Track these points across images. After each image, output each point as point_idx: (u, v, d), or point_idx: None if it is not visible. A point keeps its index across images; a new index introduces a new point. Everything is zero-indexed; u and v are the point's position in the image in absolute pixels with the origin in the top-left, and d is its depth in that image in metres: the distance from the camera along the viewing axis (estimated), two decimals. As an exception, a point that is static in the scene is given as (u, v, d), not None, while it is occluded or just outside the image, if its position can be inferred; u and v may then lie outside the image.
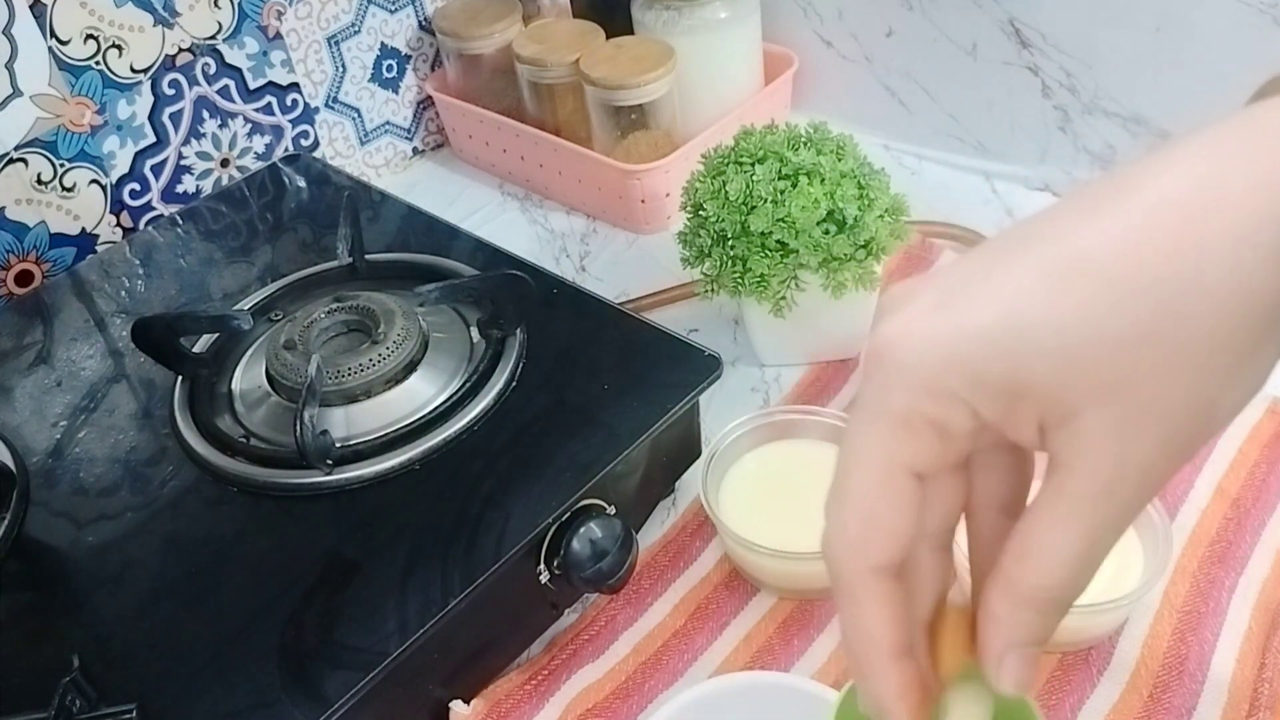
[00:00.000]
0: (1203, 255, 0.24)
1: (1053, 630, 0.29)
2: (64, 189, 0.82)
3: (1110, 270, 0.25)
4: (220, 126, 0.90)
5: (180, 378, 0.67)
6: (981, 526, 0.31)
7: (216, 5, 0.86)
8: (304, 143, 0.97)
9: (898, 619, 0.29)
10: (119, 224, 0.86)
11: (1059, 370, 0.25)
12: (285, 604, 0.54)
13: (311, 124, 0.96)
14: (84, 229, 0.84)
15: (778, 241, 0.68)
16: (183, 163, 0.89)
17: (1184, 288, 0.24)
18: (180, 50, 0.85)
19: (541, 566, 0.58)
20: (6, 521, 0.59)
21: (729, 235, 0.69)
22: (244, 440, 0.63)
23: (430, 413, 0.62)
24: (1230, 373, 0.25)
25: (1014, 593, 0.28)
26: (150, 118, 0.85)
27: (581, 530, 0.57)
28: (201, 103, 0.88)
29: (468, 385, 0.64)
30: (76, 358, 0.72)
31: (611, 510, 0.59)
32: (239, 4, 0.87)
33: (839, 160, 0.70)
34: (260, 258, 0.79)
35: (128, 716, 0.49)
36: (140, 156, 0.86)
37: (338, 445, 0.60)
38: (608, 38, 0.91)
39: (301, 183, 0.87)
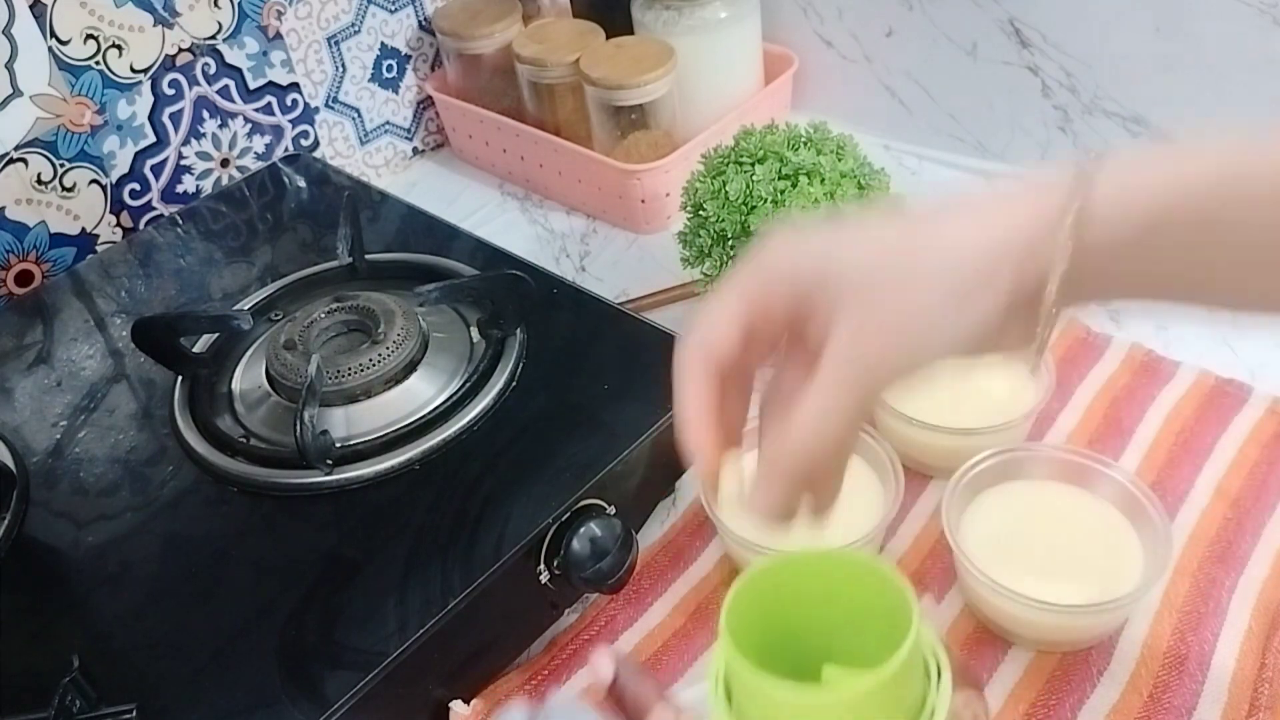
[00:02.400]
0: (949, 254, 0.36)
1: (799, 495, 0.40)
2: (64, 189, 0.82)
3: (891, 243, 0.37)
4: (220, 126, 0.90)
5: (180, 378, 0.67)
6: (771, 411, 0.41)
7: (216, 5, 0.86)
8: (304, 143, 0.97)
9: (708, 398, 0.41)
10: (119, 224, 0.86)
11: (845, 283, 0.37)
12: (285, 604, 0.54)
13: (311, 124, 0.96)
14: (84, 229, 0.85)
15: (778, 241, 0.68)
16: (183, 163, 0.89)
17: (920, 271, 0.36)
18: (180, 50, 0.85)
19: (541, 566, 0.58)
20: (6, 521, 0.59)
21: (729, 235, 0.69)
22: (244, 440, 0.63)
23: (430, 413, 0.62)
24: (933, 331, 0.37)
25: (768, 462, 0.40)
26: (150, 118, 0.85)
27: (581, 530, 0.57)
28: (201, 103, 0.88)
29: (468, 385, 0.64)
30: (76, 358, 0.72)
31: (611, 510, 0.59)
32: (239, 4, 0.87)
33: (839, 160, 0.70)
34: (260, 258, 0.79)
35: (128, 716, 0.49)
36: (140, 156, 0.86)
37: (338, 445, 0.60)
38: (608, 37, 0.91)
39: (301, 183, 0.87)
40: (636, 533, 0.61)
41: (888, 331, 0.36)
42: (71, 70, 0.79)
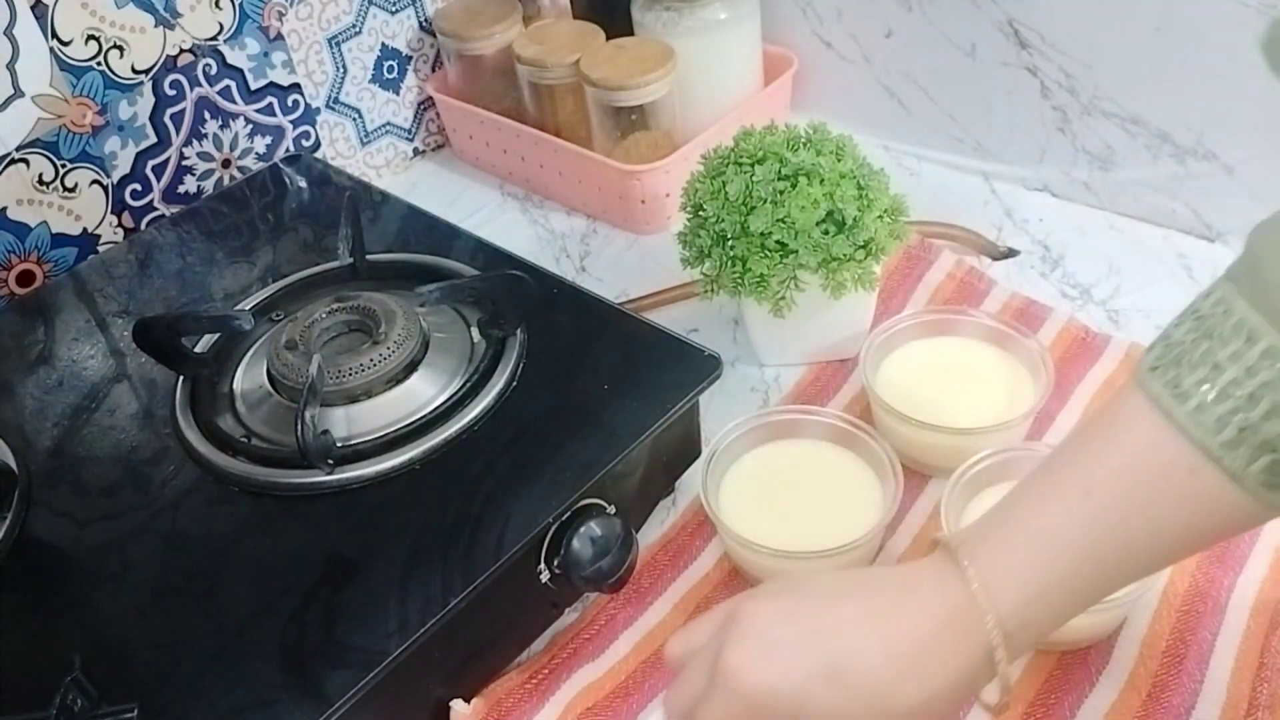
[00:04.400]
0: (905, 696, 0.42)
1: None
2: (65, 189, 0.82)
3: (853, 682, 0.42)
4: (221, 127, 0.90)
5: (181, 378, 0.67)
6: None
7: (218, 6, 0.86)
8: (305, 143, 0.97)
9: None
10: (120, 224, 0.87)
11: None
12: (286, 603, 0.54)
13: (312, 124, 0.97)
14: (85, 229, 0.85)
15: (777, 242, 0.68)
16: (184, 163, 0.89)
17: (891, 712, 0.42)
18: (181, 51, 0.85)
19: (542, 566, 0.58)
20: (8, 521, 0.59)
21: (729, 235, 0.69)
22: (245, 440, 0.63)
23: (431, 412, 0.63)
24: None
25: None
26: (151, 118, 0.85)
27: (582, 530, 0.57)
28: (203, 103, 0.88)
29: (468, 385, 0.64)
30: (78, 358, 0.72)
31: (612, 510, 0.59)
32: (240, 5, 0.87)
33: (838, 161, 0.70)
34: (261, 258, 0.79)
35: (129, 716, 0.49)
36: (142, 157, 0.86)
37: (339, 445, 0.61)
38: (608, 38, 0.91)
39: (302, 183, 0.87)
40: (637, 532, 0.61)
41: None
42: (73, 71, 0.80)
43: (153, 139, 0.86)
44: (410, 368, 0.64)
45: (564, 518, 0.57)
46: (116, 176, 0.85)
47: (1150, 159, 0.83)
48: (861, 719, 0.42)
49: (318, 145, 0.98)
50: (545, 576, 0.58)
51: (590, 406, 0.62)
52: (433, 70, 1.03)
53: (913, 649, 0.42)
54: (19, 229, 0.81)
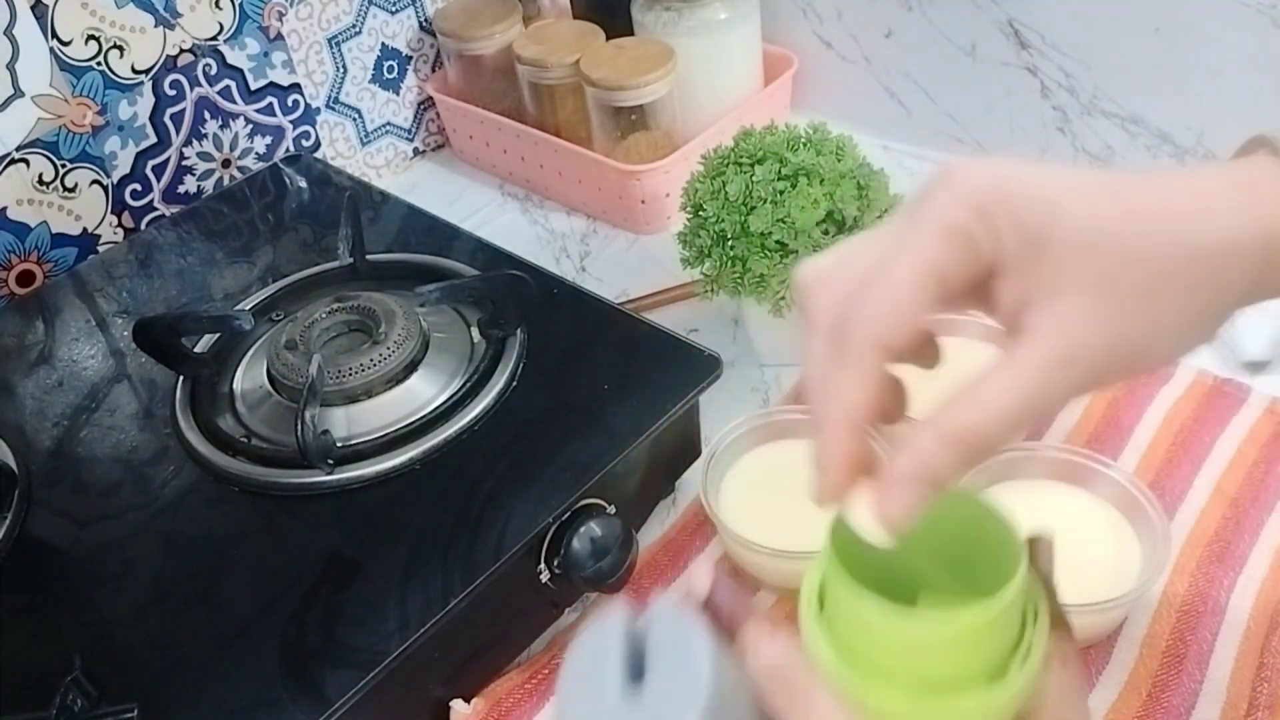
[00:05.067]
0: (1200, 232, 0.31)
1: (954, 478, 0.32)
2: (65, 189, 0.82)
3: (1133, 194, 0.31)
4: (221, 127, 0.90)
5: (181, 378, 0.67)
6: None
7: (218, 6, 0.86)
8: (305, 143, 0.97)
9: (873, 398, 0.34)
10: (120, 224, 0.87)
11: (1079, 246, 0.30)
12: (286, 603, 0.54)
13: (313, 124, 0.97)
14: (85, 229, 0.85)
15: (777, 242, 0.68)
16: (184, 163, 0.89)
17: (1182, 246, 0.30)
18: (181, 51, 0.85)
19: (542, 566, 0.58)
20: (8, 521, 0.59)
21: (729, 235, 0.69)
22: (245, 440, 0.63)
23: (431, 412, 0.63)
24: (1183, 326, 0.31)
25: (941, 428, 0.32)
26: (151, 118, 0.86)
27: (582, 530, 0.57)
28: (203, 103, 0.88)
29: (468, 385, 0.64)
30: (78, 358, 0.72)
31: (612, 510, 0.59)
32: (240, 5, 0.87)
33: (838, 161, 0.70)
34: (261, 258, 0.79)
35: (129, 716, 0.49)
36: (142, 157, 0.86)
37: (339, 445, 0.61)
38: (608, 39, 0.91)
39: (302, 183, 0.87)
40: (637, 532, 0.61)
41: (1125, 322, 0.31)
42: (73, 71, 0.80)
43: (153, 139, 0.86)
44: (410, 368, 0.64)
45: (564, 518, 0.57)
46: (116, 176, 0.85)
47: (1150, 159, 0.83)
48: (1126, 234, 0.30)
49: (318, 145, 0.98)
50: (545, 576, 0.58)
51: (590, 406, 0.62)
52: (433, 70, 1.03)
53: (1217, 188, 0.32)
54: (19, 229, 0.81)
